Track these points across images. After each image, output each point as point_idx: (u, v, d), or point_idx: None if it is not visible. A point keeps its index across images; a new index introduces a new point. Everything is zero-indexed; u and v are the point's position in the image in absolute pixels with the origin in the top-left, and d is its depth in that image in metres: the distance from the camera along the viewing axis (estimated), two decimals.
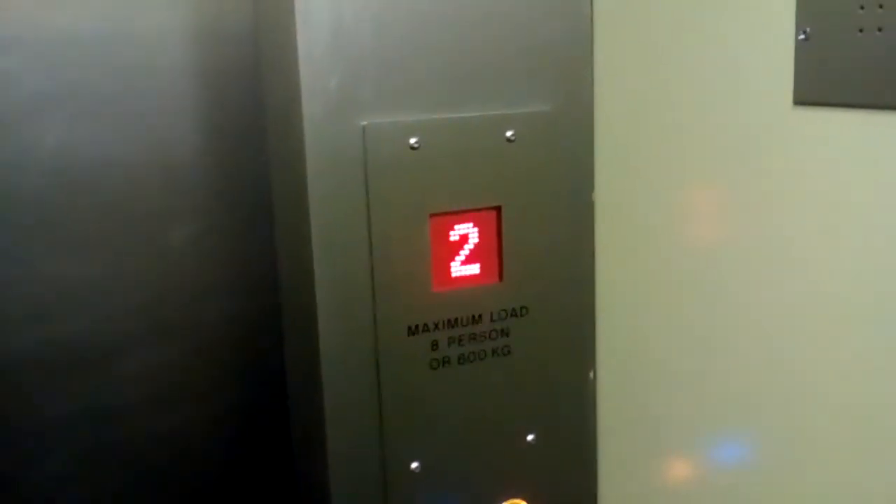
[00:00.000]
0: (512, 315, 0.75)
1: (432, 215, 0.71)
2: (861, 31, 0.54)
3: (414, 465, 0.74)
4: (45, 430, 0.73)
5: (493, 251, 0.74)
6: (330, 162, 0.67)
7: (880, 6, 0.53)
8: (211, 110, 0.75)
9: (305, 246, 0.68)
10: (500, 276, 0.74)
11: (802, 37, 0.58)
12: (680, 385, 0.78)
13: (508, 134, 0.72)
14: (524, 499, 0.79)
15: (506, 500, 0.78)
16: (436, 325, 0.73)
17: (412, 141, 0.69)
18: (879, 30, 0.53)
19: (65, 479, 0.75)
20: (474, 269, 0.74)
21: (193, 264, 0.76)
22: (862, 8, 0.54)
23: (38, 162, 0.70)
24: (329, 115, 0.66)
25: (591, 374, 0.81)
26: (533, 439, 0.78)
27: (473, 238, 0.73)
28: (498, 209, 0.73)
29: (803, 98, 0.59)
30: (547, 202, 0.75)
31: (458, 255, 0.73)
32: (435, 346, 0.73)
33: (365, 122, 0.67)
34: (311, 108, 0.66)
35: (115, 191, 0.72)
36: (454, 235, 0.72)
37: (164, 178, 0.74)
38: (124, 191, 0.72)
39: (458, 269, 0.73)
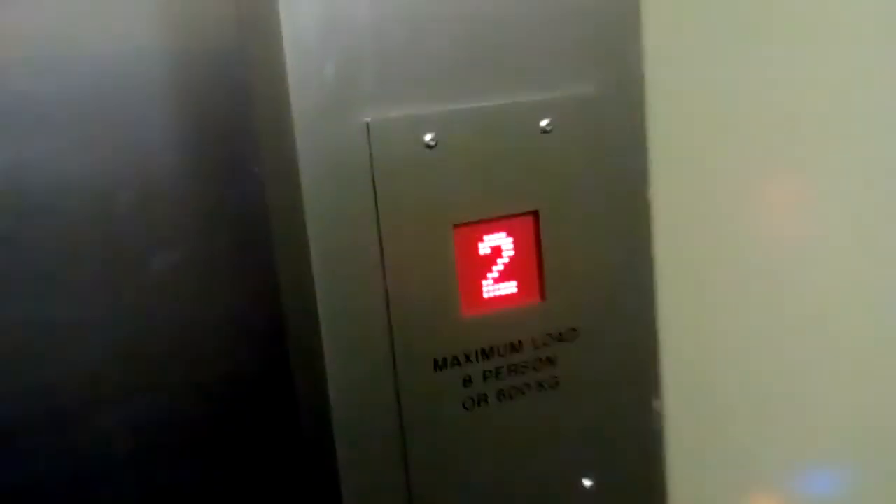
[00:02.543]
0: (558, 340, 0.63)
1: (456, 226, 0.59)
2: None
3: None
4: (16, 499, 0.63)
5: (532, 265, 0.62)
6: (329, 168, 0.56)
7: None
8: (191, 118, 0.64)
9: (305, 271, 0.57)
10: (542, 295, 0.62)
11: None
12: (764, 414, 0.66)
13: (544, 124, 0.60)
14: None
15: None
16: (467, 357, 0.61)
17: (427, 138, 0.57)
18: None
19: None
20: (510, 287, 0.62)
21: (180, 296, 0.65)
22: None
23: None
24: (325, 111, 0.55)
25: (656, 404, 0.68)
26: (591, 485, 0.66)
27: (507, 250, 0.61)
28: (535, 214, 0.61)
29: None
30: (594, 203, 0.62)
31: (490, 271, 0.61)
32: (468, 381, 0.61)
33: (369, 118, 0.56)
34: (303, 102, 0.54)
35: (82, 215, 0.61)
36: (484, 248, 0.61)
37: (139, 198, 0.63)
38: (93, 215, 0.62)
39: (491, 288, 0.61)
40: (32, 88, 0.59)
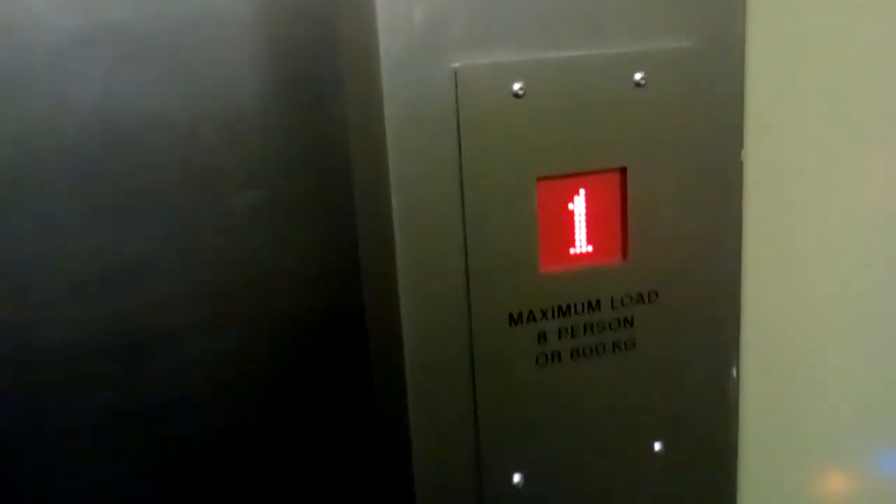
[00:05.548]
0: (638, 301, 0.62)
1: (540, 179, 0.57)
2: None
3: (516, 478, 0.62)
4: (91, 426, 0.64)
5: (615, 223, 0.60)
6: (414, 114, 0.54)
7: None
8: (279, 56, 0.63)
9: (385, 217, 0.56)
10: (624, 254, 0.61)
11: None
12: (846, 384, 0.64)
13: (637, 77, 0.58)
14: None
15: None
16: (544, 313, 0.60)
17: (516, 87, 0.55)
18: None
19: (120, 476, 0.65)
20: (592, 244, 0.60)
21: (258, 237, 0.65)
22: None
23: (77, 116, 0.59)
24: (412, 56, 0.54)
25: (734, 371, 0.66)
26: (661, 449, 0.65)
27: (592, 207, 0.60)
28: (622, 171, 0.59)
29: None
30: (684, 162, 0.60)
31: (572, 227, 0.60)
32: (542, 337, 0.60)
33: (457, 64, 0.54)
34: (391, 47, 0.53)
35: (166, 149, 0.61)
36: (567, 203, 0.59)
37: (224, 135, 0.62)
38: (177, 150, 0.61)
39: (572, 244, 0.60)
40: (124, 18, 0.59)
